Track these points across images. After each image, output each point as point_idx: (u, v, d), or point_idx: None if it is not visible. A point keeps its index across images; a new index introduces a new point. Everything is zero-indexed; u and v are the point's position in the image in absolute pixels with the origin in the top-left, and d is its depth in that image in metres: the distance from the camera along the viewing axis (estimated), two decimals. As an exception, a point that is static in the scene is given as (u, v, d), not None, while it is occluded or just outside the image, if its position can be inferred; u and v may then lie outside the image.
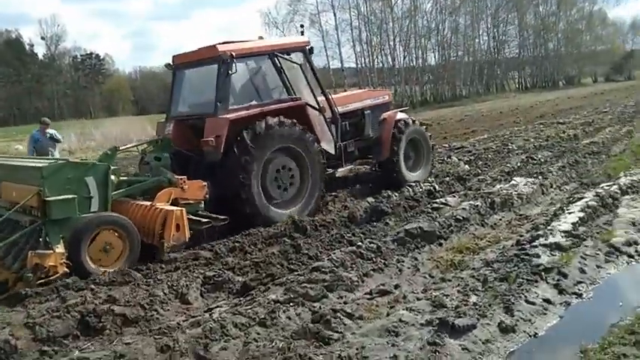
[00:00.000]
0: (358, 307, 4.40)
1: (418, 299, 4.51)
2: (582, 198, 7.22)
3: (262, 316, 4.19)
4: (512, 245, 5.71)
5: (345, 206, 7.93)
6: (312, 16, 41.68)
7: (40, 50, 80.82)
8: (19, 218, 5.97)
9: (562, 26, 60.71)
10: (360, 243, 5.92)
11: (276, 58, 7.96)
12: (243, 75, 8.02)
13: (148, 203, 6.37)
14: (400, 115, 9.45)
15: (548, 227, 6.09)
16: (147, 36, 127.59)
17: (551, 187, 8.38)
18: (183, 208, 6.25)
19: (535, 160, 10.28)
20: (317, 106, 8.26)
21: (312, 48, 8.74)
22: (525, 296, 4.39)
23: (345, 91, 11.08)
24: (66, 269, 5.34)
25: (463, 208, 6.90)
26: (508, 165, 9.84)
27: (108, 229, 5.78)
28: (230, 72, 7.34)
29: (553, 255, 5.38)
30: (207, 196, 6.85)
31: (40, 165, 5.97)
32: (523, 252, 5.31)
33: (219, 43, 7.62)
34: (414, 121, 9.53)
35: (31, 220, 5.82)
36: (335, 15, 40.83)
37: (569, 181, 8.77)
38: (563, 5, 58.97)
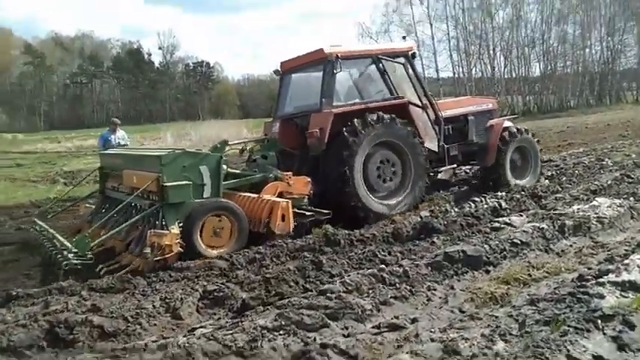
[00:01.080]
0: (357, 344, 3.67)
1: (432, 340, 3.69)
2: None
3: (241, 345, 3.60)
4: (572, 280, 4.68)
5: (393, 220, 7.13)
6: (407, 27, 40.67)
7: (157, 59, 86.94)
8: (139, 202, 6.56)
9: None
10: (386, 265, 5.17)
11: (380, 61, 8.26)
12: (348, 76, 8.58)
13: (256, 195, 6.78)
14: (508, 124, 9.59)
15: (626, 260, 4.99)
16: (257, 48, 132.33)
17: (644, 210, 7.06)
18: (289, 201, 6.62)
19: (632, 178, 8.84)
20: (420, 104, 8.47)
21: (414, 53, 8.91)
22: (568, 350, 3.44)
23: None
24: (180, 249, 5.76)
25: (524, 231, 5.89)
26: (596, 183, 8.52)
27: (219, 214, 6.22)
28: (335, 71, 7.71)
29: (623, 296, 4.32)
30: (311, 191, 7.20)
31: (160, 154, 6.50)
32: (582, 290, 4.29)
33: (327, 47, 7.96)
34: (521, 130, 9.55)
35: (150, 203, 6.31)
36: (431, 25, 39.55)
37: (668, 205, 7.36)
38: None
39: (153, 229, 5.89)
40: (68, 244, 5.93)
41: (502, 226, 6.44)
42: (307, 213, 6.96)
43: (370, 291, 4.52)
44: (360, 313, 4.18)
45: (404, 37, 10.28)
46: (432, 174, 8.68)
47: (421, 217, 6.92)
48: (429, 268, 4.98)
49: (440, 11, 39.47)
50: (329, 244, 6.01)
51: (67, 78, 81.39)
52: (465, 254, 5.18)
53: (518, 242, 5.63)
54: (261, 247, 5.89)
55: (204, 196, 6.47)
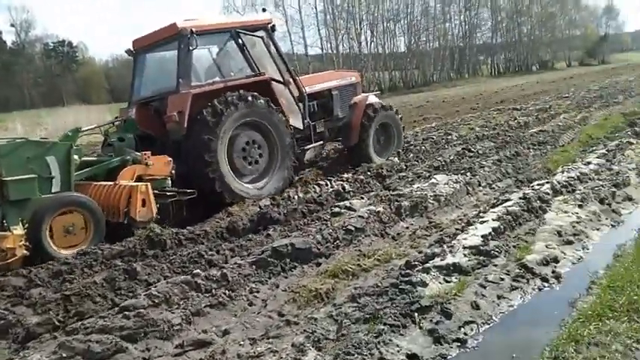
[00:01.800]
0: (150, 372, 3.18)
1: (239, 356, 3.30)
2: (507, 200, 6.08)
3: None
4: (400, 267, 4.52)
5: (229, 213, 6.65)
6: (275, 0, 40.09)
7: (9, 38, 78.34)
8: None
9: (536, 10, 59.81)
10: (211, 267, 4.70)
11: (238, 36, 7.85)
12: (205, 52, 8.04)
13: (111, 183, 6.24)
14: (371, 100, 9.49)
15: (454, 241, 4.94)
16: (124, 19, 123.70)
17: (480, 185, 7.22)
18: (148, 183, 6.15)
19: (472, 152, 9.11)
20: (282, 80, 8.13)
21: (274, 26, 8.50)
22: (381, 352, 3.20)
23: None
24: (25, 252, 5.19)
25: (360, 216, 5.69)
26: (439, 159, 8.64)
27: (70, 210, 5.64)
28: (191, 47, 7.21)
29: (447, 281, 4.23)
30: (173, 172, 6.72)
31: None
32: (406, 279, 4.13)
33: (180, 21, 7.46)
34: (385, 107, 9.53)
35: None
36: (299, -3, 39.30)
37: (502, 178, 7.61)
38: (537, -12, 58.11)
39: None
40: None
41: (342, 210, 6.22)
42: (168, 193, 6.51)
43: (182, 302, 4.02)
44: (166, 329, 3.68)
45: (264, 10, 9.74)
46: (299, 152, 8.37)
47: (260, 207, 6.51)
48: (254, 267, 4.58)
49: (308, -17, 39.20)
50: (153, 247, 5.39)
51: None
52: (294, 248, 4.84)
53: (353, 229, 5.40)
54: (69, 258, 5.13)
55: (53, 191, 5.88)
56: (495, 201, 6.25)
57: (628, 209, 6.18)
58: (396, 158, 9.04)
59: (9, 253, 5.06)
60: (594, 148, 8.90)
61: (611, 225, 5.69)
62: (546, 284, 4.26)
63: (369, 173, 7.99)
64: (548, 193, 6.21)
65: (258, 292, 4.31)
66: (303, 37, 39.36)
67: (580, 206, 5.96)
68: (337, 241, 5.20)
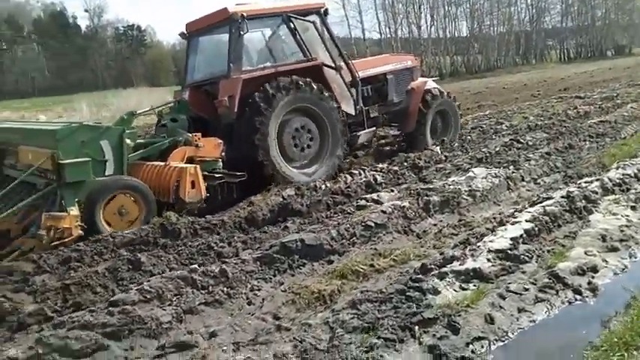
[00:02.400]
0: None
1: (219, 364, 3.06)
2: (548, 199, 5.54)
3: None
4: (415, 270, 4.14)
5: (251, 202, 6.42)
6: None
7: (83, 23, 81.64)
8: (35, 181, 6.00)
9: (611, -8, 56.23)
10: (225, 259, 4.49)
11: (290, 20, 7.74)
12: (257, 37, 8.05)
13: (162, 163, 6.32)
14: (429, 85, 9.30)
15: (479, 243, 4.50)
16: (192, 4, 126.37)
17: (523, 180, 6.65)
18: (198, 165, 6.18)
19: (521, 143, 8.46)
20: (334, 66, 8.00)
21: (327, 10, 8.33)
22: (369, 370, 2.88)
23: None
24: (80, 232, 5.29)
25: (382, 211, 5.32)
26: (484, 150, 8.08)
27: (123, 193, 5.77)
28: (242, 32, 7.21)
29: (463, 289, 3.83)
30: (223, 154, 6.76)
31: (54, 128, 6.01)
32: (416, 284, 3.76)
33: (232, 6, 7.45)
34: (443, 93, 9.31)
35: (47, 182, 5.83)
36: (356, -20, 38.48)
37: (550, 172, 6.99)
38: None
39: (50, 210, 5.41)
40: None
41: (369, 204, 5.87)
42: (217, 175, 6.55)
43: (175, 298, 3.83)
44: (154, 327, 3.49)
45: None
46: (351, 138, 8.23)
47: (283, 198, 6.24)
48: (258, 263, 4.32)
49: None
50: (166, 236, 5.24)
51: (-20, 45, 75.26)
52: (304, 244, 4.54)
53: (372, 225, 5.05)
54: (81, 244, 5.05)
55: (107, 174, 6.02)
56: (536, 199, 5.71)
57: (690, 213, 5.50)
58: (438, 148, 8.54)
59: (66, 232, 5.17)
60: (659, 142, 8.08)
61: (668, 230, 5.07)
62: (579, 297, 3.77)
63: (405, 164, 7.57)
64: (596, 192, 5.61)
65: (259, 290, 4.06)
66: (361, 21, 38.78)
67: (633, 208, 5.35)
68: (354, 238, 4.87)
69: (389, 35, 39.23)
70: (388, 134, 10.09)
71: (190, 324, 3.63)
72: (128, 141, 6.35)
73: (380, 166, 7.43)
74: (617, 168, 6.47)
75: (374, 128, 8.81)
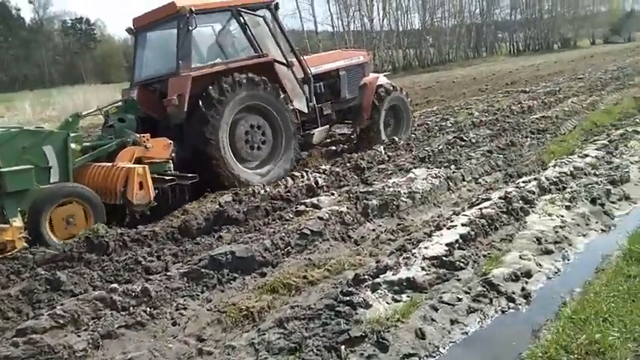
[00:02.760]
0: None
1: (128, 397, 2.86)
2: (486, 200, 5.51)
3: None
4: (347, 282, 4.02)
5: (185, 210, 6.18)
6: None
7: (27, 15, 78.20)
8: None
9: (557, -14, 57.75)
10: (149, 275, 4.26)
11: (240, 15, 7.58)
12: (206, 33, 7.85)
13: (109, 164, 6.12)
14: (381, 81, 9.27)
15: (415, 249, 4.42)
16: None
17: (464, 180, 6.64)
18: (146, 166, 6.00)
19: (464, 141, 8.49)
20: (285, 62, 7.88)
21: (277, 4, 8.17)
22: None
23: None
24: (25, 244, 5.10)
25: (320, 217, 5.18)
26: (427, 148, 8.06)
27: (70, 201, 5.55)
28: (190, 28, 6.98)
29: (395, 301, 3.72)
30: (173, 155, 6.60)
31: None
32: (346, 299, 3.63)
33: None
34: (395, 88, 9.30)
35: None
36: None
37: (491, 171, 7.02)
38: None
39: None
40: None
41: (308, 209, 5.72)
42: (167, 177, 6.37)
43: (92, 322, 3.58)
44: (65, 357, 3.25)
45: None
46: (305, 137, 8.12)
47: (220, 205, 6.03)
48: (185, 279, 4.11)
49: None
50: (93, 250, 4.96)
51: None
52: (235, 256, 4.36)
53: (308, 232, 4.90)
54: (9, 259, 4.72)
55: (52, 181, 5.81)
56: (475, 200, 5.69)
57: (623, 210, 5.58)
58: (382, 147, 8.46)
59: (8, 245, 4.96)
60: (596, 137, 8.23)
61: (601, 229, 5.11)
62: (512, 305, 3.72)
63: (347, 165, 7.45)
64: (533, 192, 5.63)
65: (185, 309, 3.86)
66: (313, 14, 38.47)
67: (568, 207, 5.38)
68: (289, 248, 4.71)
69: (342, 29, 39.09)
70: (335, 133, 9.98)
71: (108, 350, 3.41)
72: (73, 145, 6.14)
73: (323, 167, 7.29)
74: (555, 166, 6.54)
75: (327, 126, 8.74)
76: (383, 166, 7.24)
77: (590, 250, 4.68)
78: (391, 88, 9.25)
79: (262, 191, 6.39)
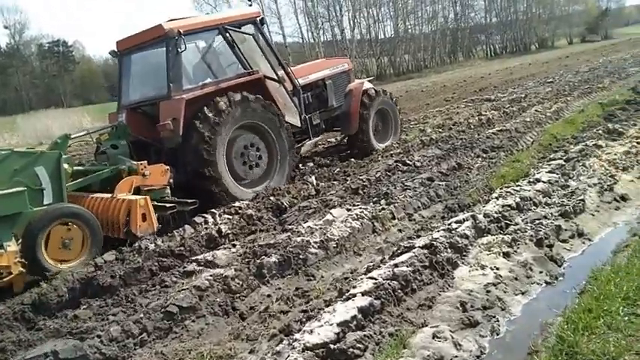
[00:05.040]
0: None
1: None
2: (408, 249, 4.52)
3: None
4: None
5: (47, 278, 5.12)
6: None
7: (3, 40, 77.17)
8: None
9: (531, -13, 57.30)
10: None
11: (227, 32, 7.46)
12: (195, 53, 7.65)
13: (109, 195, 5.98)
14: (367, 86, 9.18)
15: (296, 335, 3.40)
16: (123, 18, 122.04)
17: (394, 218, 5.64)
18: (147, 196, 5.90)
19: (408, 165, 7.51)
20: (276, 78, 7.81)
21: (263, 19, 8.14)
22: None
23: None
24: (21, 269, 4.94)
25: (197, 286, 4.15)
26: (362, 177, 7.08)
27: (66, 222, 5.37)
28: (179, 50, 6.83)
29: None
30: (171, 180, 6.44)
31: None
32: None
33: (165, 22, 7.10)
34: (379, 92, 9.24)
35: None
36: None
37: (429, 204, 6.03)
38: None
39: None
40: None
41: (200, 267, 4.71)
42: (168, 205, 6.17)
43: None
44: None
45: (250, 3, 8.56)
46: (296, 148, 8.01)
47: (96, 266, 4.99)
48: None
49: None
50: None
51: None
52: (58, 358, 3.31)
53: (176, 310, 3.88)
54: None
55: (45, 203, 5.65)
56: (396, 249, 4.69)
57: (574, 251, 4.69)
58: (313, 177, 7.48)
59: (4, 271, 4.83)
60: (554, 154, 7.32)
61: (545, 282, 4.19)
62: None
63: (267, 202, 6.43)
64: (466, 236, 4.66)
65: None
66: (281, 27, 37.52)
67: (507, 255, 4.44)
68: (145, 334, 3.68)
69: (313, 40, 38.21)
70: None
71: None
72: (66, 166, 5.98)
73: (234, 208, 6.24)
74: (499, 197, 5.58)
75: (315, 140, 8.70)
76: (306, 204, 6.20)
77: (527, 315, 3.74)
78: (375, 92, 9.12)
79: (152, 245, 5.34)
